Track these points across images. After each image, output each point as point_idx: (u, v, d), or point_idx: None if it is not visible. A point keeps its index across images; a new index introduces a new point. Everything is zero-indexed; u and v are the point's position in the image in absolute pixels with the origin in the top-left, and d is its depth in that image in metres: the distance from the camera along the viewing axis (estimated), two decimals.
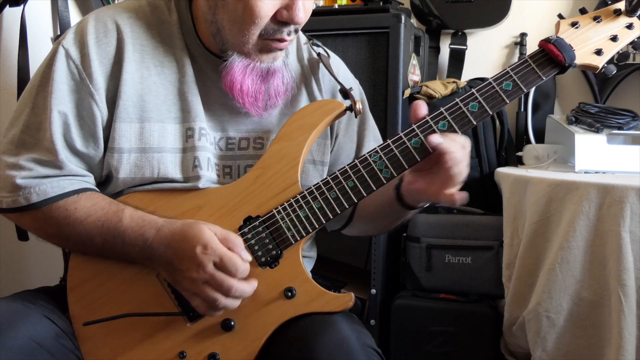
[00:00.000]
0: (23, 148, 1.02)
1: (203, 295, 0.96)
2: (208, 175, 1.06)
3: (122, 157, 1.04)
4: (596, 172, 1.72)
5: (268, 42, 1.02)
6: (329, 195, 1.02)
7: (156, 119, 1.05)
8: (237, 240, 0.98)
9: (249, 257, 0.99)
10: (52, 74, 1.02)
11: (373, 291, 1.86)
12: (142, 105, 1.04)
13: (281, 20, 0.99)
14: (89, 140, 1.04)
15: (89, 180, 1.06)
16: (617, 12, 1.06)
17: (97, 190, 1.07)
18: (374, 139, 1.25)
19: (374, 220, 1.23)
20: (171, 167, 1.05)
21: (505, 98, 1.02)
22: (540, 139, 2.10)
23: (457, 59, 2.26)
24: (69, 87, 1.02)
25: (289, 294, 1.00)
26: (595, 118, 1.81)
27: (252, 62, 1.04)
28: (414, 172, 1.03)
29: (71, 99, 1.02)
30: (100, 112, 1.03)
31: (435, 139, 0.98)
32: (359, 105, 1.08)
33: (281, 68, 1.08)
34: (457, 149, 0.97)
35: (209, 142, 1.08)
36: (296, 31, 1.04)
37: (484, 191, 2.03)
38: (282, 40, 1.03)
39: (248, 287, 0.97)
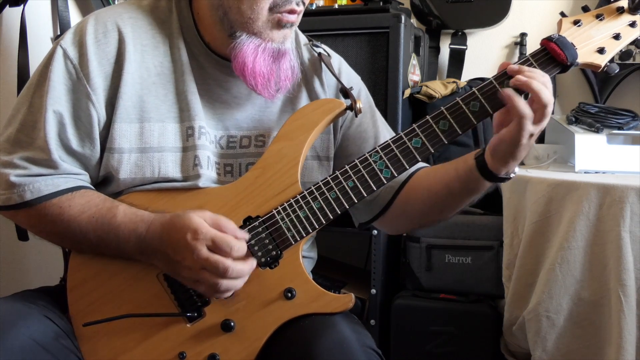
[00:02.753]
0: (18, 147, 1.02)
1: (203, 280, 0.96)
2: (208, 173, 1.06)
3: (123, 157, 1.03)
4: (596, 172, 1.72)
5: (278, 16, 1.02)
6: (329, 196, 1.02)
7: (156, 119, 1.05)
8: (229, 223, 0.98)
9: (246, 235, 0.99)
10: (49, 73, 1.02)
11: (373, 291, 1.87)
12: (142, 105, 1.04)
13: None
14: (85, 141, 1.04)
15: (84, 178, 1.06)
16: (620, 10, 1.06)
17: (92, 187, 1.07)
18: (387, 130, 1.23)
19: (442, 200, 1.13)
20: (172, 167, 1.05)
21: None
22: (540, 139, 2.09)
23: (457, 59, 2.26)
24: (66, 87, 1.02)
25: (289, 294, 1.00)
26: (595, 118, 1.81)
27: (263, 42, 1.03)
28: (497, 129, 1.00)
29: (68, 99, 1.02)
30: (97, 113, 1.03)
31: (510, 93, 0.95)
32: (359, 105, 1.08)
33: (290, 50, 1.07)
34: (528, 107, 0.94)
35: (208, 140, 1.08)
36: (304, 3, 1.03)
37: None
38: (292, 12, 1.02)
39: (245, 266, 0.97)
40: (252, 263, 0.99)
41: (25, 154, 1.02)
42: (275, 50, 1.04)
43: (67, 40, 1.04)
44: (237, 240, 0.96)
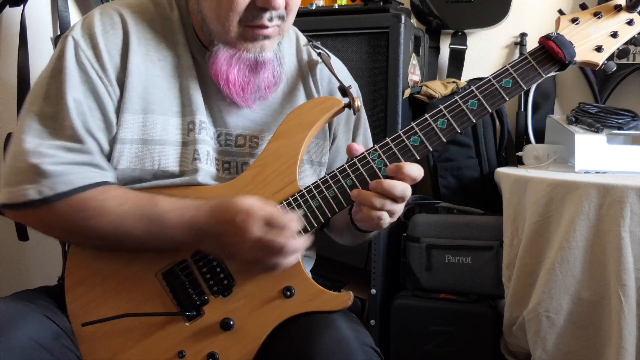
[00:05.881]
0: (44, 138, 0.99)
1: (260, 261, 0.95)
2: (207, 168, 1.06)
3: (124, 147, 1.03)
4: (596, 172, 1.72)
5: (249, 29, 1.01)
6: (327, 194, 1.02)
7: (159, 112, 1.05)
8: (276, 207, 0.98)
9: (296, 215, 0.99)
10: (65, 63, 1.01)
11: (373, 291, 1.86)
12: (147, 97, 1.04)
13: (259, 6, 0.99)
14: (104, 130, 1.03)
15: (111, 175, 1.04)
16: (618, 8, 1.06)
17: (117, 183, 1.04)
18: (363, 143, 1.25)
19: (340, 235, 1.24)
20: (172, 160, 1.05)
21: (504, 96, 1.02)
22: (540, 139, 2.10)
23: (457, 59, 2.26)
24: (83, 77, 1.01)
25: (288, 293, 1.00)
26: (595, 118, 1.81)
27: (237, 52, 1.04)
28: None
29: (85, 89, 1.01)
30: (113, 102, 1.03)
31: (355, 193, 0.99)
32: (357, 102, 1.08)
33: (272, 60, 1.07)
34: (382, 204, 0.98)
35: (208, 135, 1.08)
36: (280, 17, 1.02)
37: (484, 191, 2.03)
38: (263, 27, 1.01)
39: (301, 241, 0.96)
40: (307, 240, 0.98)
41: (54, 143, 0.98)
42: (252, 60, 1.04)
43: (77, 32, 1.04)
44: (289, 218, 0.95)
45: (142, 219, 0.98)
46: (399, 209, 1.00)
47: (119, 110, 1.03)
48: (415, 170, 0.99)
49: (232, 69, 1.04)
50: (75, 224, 0.99)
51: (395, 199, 0.98)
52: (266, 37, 1.03)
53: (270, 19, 1.01)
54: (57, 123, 0.99)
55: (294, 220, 0.95)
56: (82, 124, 1.00)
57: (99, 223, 0.98)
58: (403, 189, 0.98)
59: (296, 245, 0.95)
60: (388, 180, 0.98)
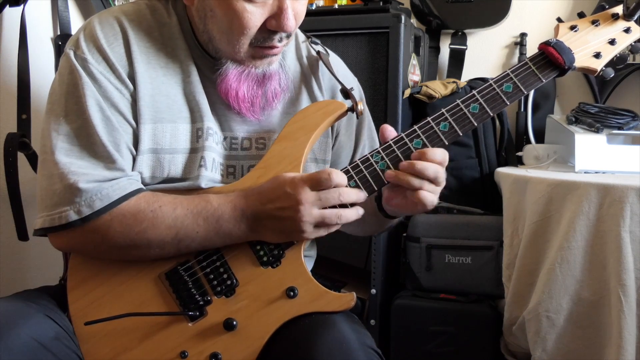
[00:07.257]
0: (74, 156, 0.98)
1: (326, 223, 0.97)
2: (210, 175, 1.06)
3: (137, 158, 1.03)
4: (596, 172, 1.72)
5: (259, 50, 1.03)
6: None
7: (168, 119, 1.05)
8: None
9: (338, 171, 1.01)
10: (78, 79, 1.00)
11: (373, 291, 1.87)
12: (155, 105, 1.04)
13: (271, 29, 1.00)
14: (131, 139, 1.02)
15: (140, 182, 1.04)
16: (615, 16, 1.09)
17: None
18: (369, 138, 1.25)
19: (361, 224, 1.21)
20: (180, 168, 1.05)
21: (505, 100, 1.03)
22: (540, 139, 2.10)
23: (457, 59, 2.26)
24: (99, 91, 1.00)
25: (291, 293, 1.00)
26: (595, 118, 1.81)
27: (246, 69, 1.05)
28: (390, 188, 1.04)
29: (104, 102, 1.00)
30: (131, 111, 1.03)
31: (390, 174, 1.00)
32: (360, 106, 1.08)
33: (278, 71, 1.08)
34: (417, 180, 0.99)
35: (215, 141, 1.08)
36: (288, 36, 1.04)
37: (484, 191, 2.03)
38: (273, 47, 1.03)
39: (354, 190, 0.99)
40: (359, 192, 1.00)
41: (85, 160, 0.98)
42: (259, 75, 1.06)
43: (84, 47, 1.02)
44: (329, 171, 0.97)
45: (199, 218, 0.99)
46: (437, 191, 1.01)
47: (135, 121, 1.03)
48: (439, 155, 1.00)
49: (242, 85, 1.05)
50: (132, 238, 0.99)
51: (430, 181, 0.99)
52: (274, 54, 1.05)
53: (280, 40, 1.03)
54: (84, 139, 0.99)
55: (334, 172, 0.97)
56: (107, 136, 0.99)
57: (157, 231, 0.98)
58: (435, 170, 0.99)
59: (349, 190, 0.98)
60: (420, 162, 0.99)
